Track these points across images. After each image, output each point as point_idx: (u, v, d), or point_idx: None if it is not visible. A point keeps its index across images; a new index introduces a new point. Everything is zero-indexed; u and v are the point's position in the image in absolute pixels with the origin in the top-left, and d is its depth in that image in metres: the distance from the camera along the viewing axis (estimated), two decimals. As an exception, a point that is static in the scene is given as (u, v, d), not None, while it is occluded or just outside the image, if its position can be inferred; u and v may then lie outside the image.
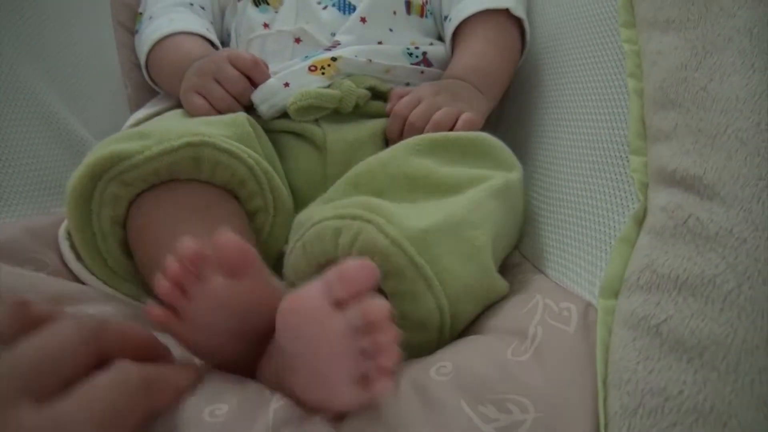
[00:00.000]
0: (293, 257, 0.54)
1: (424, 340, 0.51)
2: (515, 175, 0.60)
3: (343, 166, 0.62)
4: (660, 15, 0.56)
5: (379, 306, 0.38)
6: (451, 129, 0.63)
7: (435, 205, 0.54)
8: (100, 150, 0.55)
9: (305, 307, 0.39)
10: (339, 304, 0.39)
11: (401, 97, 0.68)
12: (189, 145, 0.55)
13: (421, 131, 0.63)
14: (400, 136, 0.65)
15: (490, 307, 0.55)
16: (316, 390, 0.41)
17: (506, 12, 0.74)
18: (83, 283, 0.58)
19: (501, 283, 0.56)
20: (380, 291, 0.49)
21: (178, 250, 0.42)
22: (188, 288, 0.43)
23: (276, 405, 0.42)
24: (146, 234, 0.56)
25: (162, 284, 0.43)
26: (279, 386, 0.44)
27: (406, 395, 0.43)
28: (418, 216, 0.51)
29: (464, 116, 0.64)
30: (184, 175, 0.57)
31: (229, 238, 0.42)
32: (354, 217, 0.50)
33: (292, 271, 0.54)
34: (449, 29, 0.76)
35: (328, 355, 0.39)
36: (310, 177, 0.66)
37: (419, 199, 0.55)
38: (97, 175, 0.54)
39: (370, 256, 0.48)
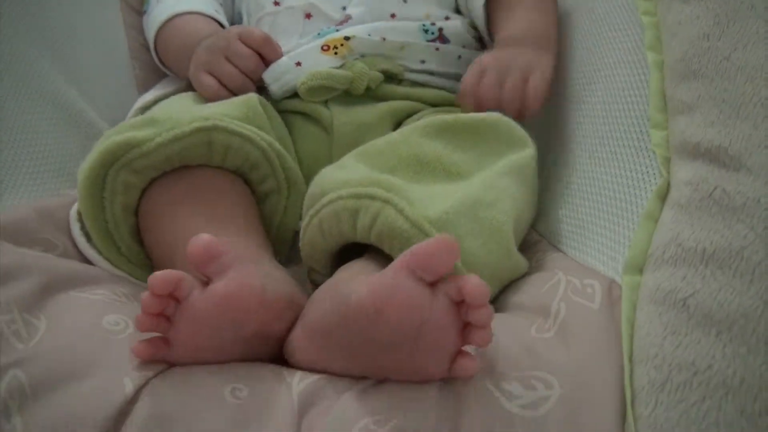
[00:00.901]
0: (309, 233, 0.53)
1: None
2: (528, 152, 0.59)
3: (350, 148, 0.61)
4: (680, -16, 0.55)
5: (478, 285, 0.39)
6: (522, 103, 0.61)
7: (447, 188, 0.53)
8: (111, 138, 0.54)
9: (406, 300, 0.39)
10: (431, 285, 0.40)
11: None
12: (200, 130, 0.54)
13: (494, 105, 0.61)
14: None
15: (510, 283, 0.54)
16: (419, 365, 0.41)
17: None
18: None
19: (521, 262, 0.55)
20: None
21: (149, 283, 0.42)
22: (171, 314, 0.43)
23: (299, 388, 0.42)
24: (156, 222, 0.55)
25: (142, 320, 0.42)
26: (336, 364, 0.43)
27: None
28: (434, 197, 0.50)
29: (531, 86, 0.62)
30: (196, 161, 0.56)
31: (193, 243, 0.42)
32: (372, 197, 0.49)
33: (309, 247, 0.54)
34: None
35: (435, 331, 0.40)
36: (316, 158, 0.65)
37: (427, 181, 0.53)
38: (108, 163, 0.53)
39: (390, 239, 0.48)
